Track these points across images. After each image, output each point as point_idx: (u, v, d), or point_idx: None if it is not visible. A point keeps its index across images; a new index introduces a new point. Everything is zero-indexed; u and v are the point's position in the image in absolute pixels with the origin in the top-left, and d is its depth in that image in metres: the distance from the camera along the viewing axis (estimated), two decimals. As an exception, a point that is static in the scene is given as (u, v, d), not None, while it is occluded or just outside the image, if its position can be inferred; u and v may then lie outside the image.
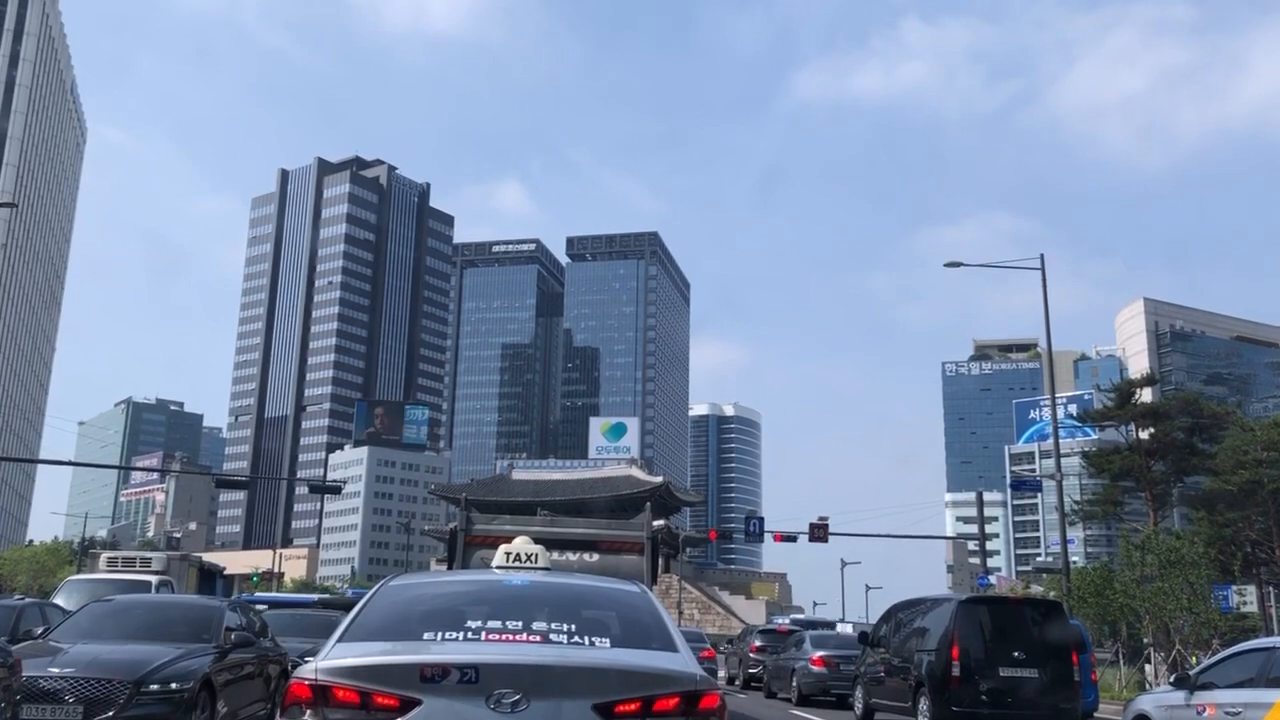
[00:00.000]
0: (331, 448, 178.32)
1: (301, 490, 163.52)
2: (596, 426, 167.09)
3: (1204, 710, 10.13)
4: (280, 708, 4.63)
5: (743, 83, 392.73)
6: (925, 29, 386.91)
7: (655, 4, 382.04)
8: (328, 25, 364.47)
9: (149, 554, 23.81)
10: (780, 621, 39.57)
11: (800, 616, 58.40)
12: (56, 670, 8.68)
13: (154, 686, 8.75)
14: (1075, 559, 67.08)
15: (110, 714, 8.49)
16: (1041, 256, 33.10)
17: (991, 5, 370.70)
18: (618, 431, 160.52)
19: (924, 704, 14.33)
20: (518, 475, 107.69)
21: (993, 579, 52.03)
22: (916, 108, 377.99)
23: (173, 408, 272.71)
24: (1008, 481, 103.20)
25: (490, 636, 4.81)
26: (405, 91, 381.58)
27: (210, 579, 28.96)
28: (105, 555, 23.91)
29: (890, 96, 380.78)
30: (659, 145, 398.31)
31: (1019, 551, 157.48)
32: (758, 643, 28.90)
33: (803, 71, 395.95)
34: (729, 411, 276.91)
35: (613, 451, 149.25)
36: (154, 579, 18.87)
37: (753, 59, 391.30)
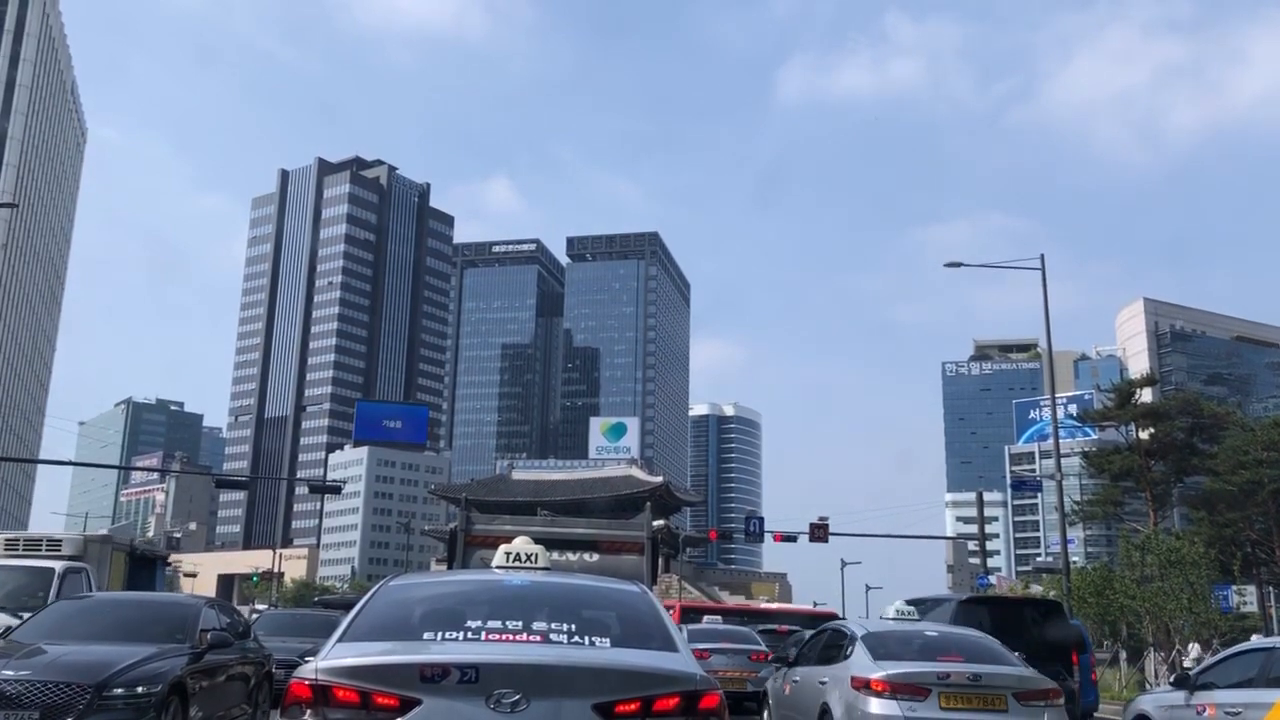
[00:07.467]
0: (331, 448, 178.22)
1: (301, 490, 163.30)
2: (596, 426, 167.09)
3: (1204, 710, 10.12)
4: (280, 708, 4.63)
5: (735, 82, 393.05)
6: (917, 26, 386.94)
7: (647, 2, 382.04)
8: (315, 23, 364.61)
9: (58, 535, 19.75)
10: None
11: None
12: (11, 673, 8.11)
13: (118, 690, 8.19)
14: (1075, 559, 67.12)
15: None
16: (1042, 256, 32.93)
17: (983, 1, 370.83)
18: (618, 431, 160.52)
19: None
20: (518, 475, 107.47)
21: (993, 579, 52.02)
22: (912, 106, 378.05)
23: (173, 408, 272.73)
24: (1008, 481, 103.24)
25: (490, 636, 4.82)
26: (399, 91, 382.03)
27: (147, 566, 23.07)
28: (3, 537, 18.97)
29: (884, 95, 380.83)
30: (654, 145, 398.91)
31: (1019, 551, 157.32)
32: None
33: (797, 70, 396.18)
34: (729, 411, 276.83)
35: (613, 451, 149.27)
36: (58, 565, 14.55)
37: (744, 58, 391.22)
